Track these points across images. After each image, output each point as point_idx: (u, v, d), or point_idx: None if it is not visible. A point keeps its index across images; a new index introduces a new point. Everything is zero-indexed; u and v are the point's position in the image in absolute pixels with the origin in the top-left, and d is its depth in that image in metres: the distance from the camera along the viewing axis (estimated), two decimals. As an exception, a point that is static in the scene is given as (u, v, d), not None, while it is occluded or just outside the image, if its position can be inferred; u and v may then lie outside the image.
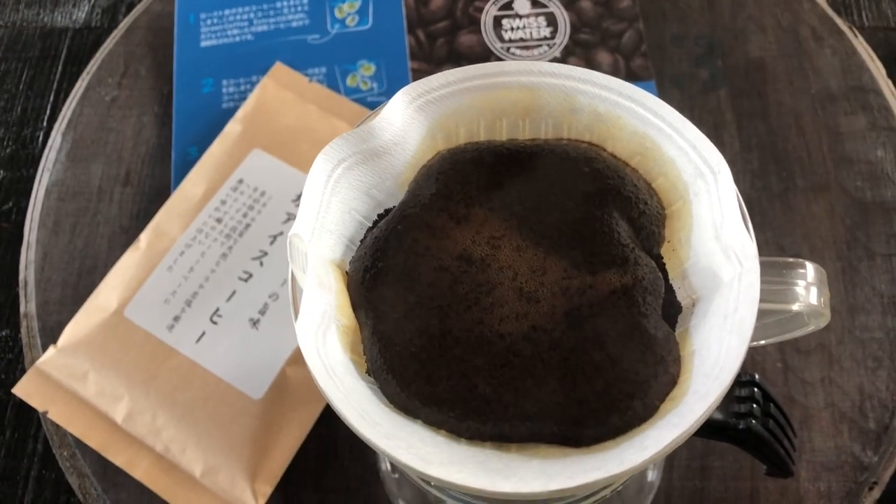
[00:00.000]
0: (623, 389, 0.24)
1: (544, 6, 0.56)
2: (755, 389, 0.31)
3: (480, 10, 0.56)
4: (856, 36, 0.55)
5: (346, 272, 0.27)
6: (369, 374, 0.25)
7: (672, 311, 0.26)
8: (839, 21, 0.55)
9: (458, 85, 0.28)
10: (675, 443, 0.22)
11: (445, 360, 0.24)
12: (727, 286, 0.24)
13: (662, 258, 0.27)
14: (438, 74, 0.27)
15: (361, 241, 0.27)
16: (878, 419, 0.44)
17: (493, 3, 0.56)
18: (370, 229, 0.28)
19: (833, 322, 0.47)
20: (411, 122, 0.27)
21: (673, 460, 0.44)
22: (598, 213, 0.26)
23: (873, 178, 0.51)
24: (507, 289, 0.25)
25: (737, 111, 0.53)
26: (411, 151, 0.28)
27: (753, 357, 0.46)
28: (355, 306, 0.26)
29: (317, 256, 0.25)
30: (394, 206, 0.28)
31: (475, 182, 0.27)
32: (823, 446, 0.44)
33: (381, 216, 0.28)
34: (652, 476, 0.42)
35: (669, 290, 0.26)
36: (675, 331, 0.25)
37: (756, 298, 0.23)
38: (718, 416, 0.31)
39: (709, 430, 0.32)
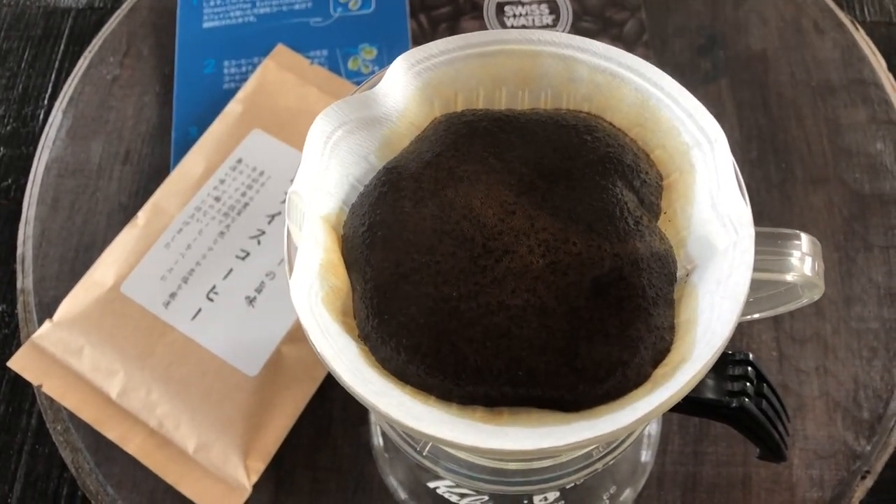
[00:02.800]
0: (620, 357, 0.24)
1: (547, -6, 0.56)
2: (748, 368, 0.31)
3: (483, -5, 0.56)
4: (857, 29, 0.55)
5: (341, 235, 0.27)
6: (360, 340, 0.25)
7: (667, 279, 0.26)
8: (841, 14, 0.55)
9: (458, 52, 0.27)
10: (666, 404, 0.22)
11: (436, 331, 0.24)
12: (722, 254, 0.24)
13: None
14: (438, 41, 0.27)
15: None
16: (871, 409, 0.45)
17: (496, -11, 0.56)
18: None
19: (829, 312, 0.47)
20: (409, 89, 0.27)
21: (666, 445, 0.44)
22: (603, 183, 0.26)
23: (872, 171, 0.51)
24: (525, 258, 0.25)
25: (737, 102, 0.53)
26: (409, 118, 0.28)
27: (748, 345, 0.46)
28: (348, 268, 0.26)
29: (314, 216, 0.25)
30: None
31: (469, 143, 0.27)
32: (817, 434, 0.44)
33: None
34: (645, 457, 0.42)
35: (665, 260, 0.26)
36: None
37: (750, 264, 0.23)
38: (711, 394, 0.31)
39: (702, 408, 0.32)
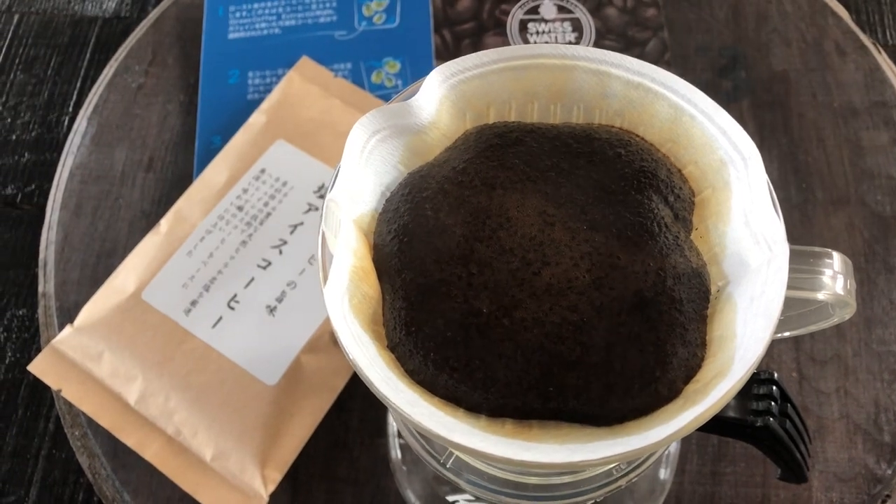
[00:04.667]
0: (653, 373, 0.23)
1: (570, 12, 0.57)
2: (773, 388, 0.31)
3: (507, 13, 0.57)
4: (880, 52, 0.55)
5: (372, 243, 0.27)
6: (389, 349, 0.25)
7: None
8: (863, 37, 0.56)
9: (492, 65, 0.28)
10: (699, 420, 0.22)
11: (464, 346, 0.24)
12: (755, 271, 0.24)
13: (691, 245, 0.27)
14: (473, 54, 0.28)
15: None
16: (892, 432, 0.44)
17: (520, 6, 0.57)
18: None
19: (849, 334, 0.47)
20: (443, 101, 0.28)
21: (685, 464, 0.43)
22: (640, 198, 0.26)
23: (894, 193, 0.51)
24: (569, 272, 0.24)
25: (759, 122, 0.53)
26: (441, 130, 0.28)
27: (768, 365, 0.46)
28: (379, 277, 0.26)
29: (348, 223, 0.25)
30: None
31: (500, 151, 0.27)
32: (837, 457, 0.44)
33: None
34: (664, 475, 0.42)
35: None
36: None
37: (784, 281, 0.23)
38: (735, 413, 0.31)
39: (726, 427, 0.31)
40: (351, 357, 0.23)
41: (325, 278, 0.24)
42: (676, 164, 0.27)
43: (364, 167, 0.26)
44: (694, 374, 0.24)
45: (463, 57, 0.27)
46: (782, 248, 0.24)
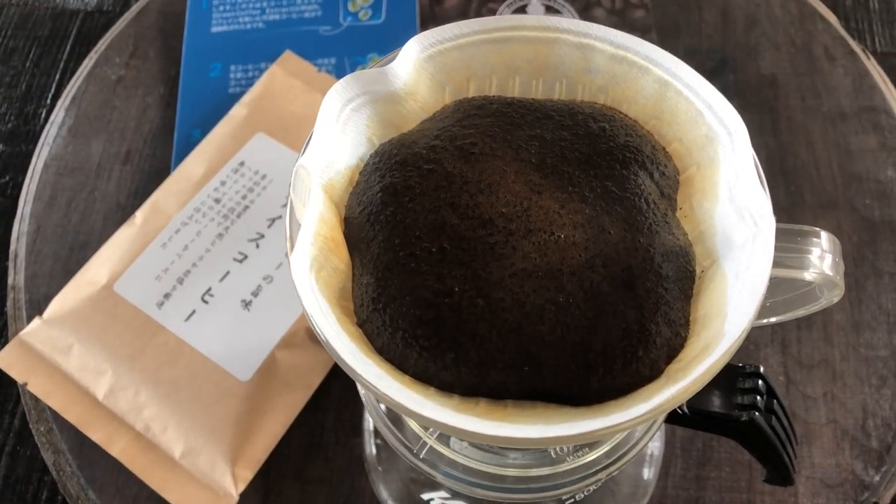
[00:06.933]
0: (635, 352, 0.22)
1: (557, 12, 0.56)
2: (759, 382, 0.30)
3: (494, 11, 0.56)
4: (868, 58, 0.55)
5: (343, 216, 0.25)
6: (358, 326, 0.24)
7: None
8: (852, 42, 0.55)
9: (473, 37, 0.27)
10: (681, 396, 0.21)
11: (434, 325, 0.22)
12: (740, 247, 0.23)
13: (675, 224, 0.26)
14: (453, 24, 0.27)
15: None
16: (880, 438, 0.43)
17: (507, 5, 0.56)
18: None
19: (838, 338, 0.46)
20: (421, 72, 0.27)
21: (668, 468, 0.42)
22: (625, 173, 0.25)
23: (882, 197, 0.50)
24: (566, 251, 0.23)
25: (747, 125, 0.53)
26: (419, 103, 0.27)
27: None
28: (350, 250, 0.24)
29: (319, 192, 0.24)
30: None
31: (479, 120, 0.25)
32: (824, 463, 0.43)
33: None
34: (647, 475, 0.41)
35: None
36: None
37: (770, 256, 0.22)
38: (720, 408, 0.30)
39: (710, 422, 0.30)
40: (317, 329, 0.22)
41: (292, 247, 0.23)
42: (661, 141, 0.27)
43: (339, 135, 0.25)
44: (676, 353, 0.23)
45: (442, 27, 0.27)
46: (768, 223, 0.23)
